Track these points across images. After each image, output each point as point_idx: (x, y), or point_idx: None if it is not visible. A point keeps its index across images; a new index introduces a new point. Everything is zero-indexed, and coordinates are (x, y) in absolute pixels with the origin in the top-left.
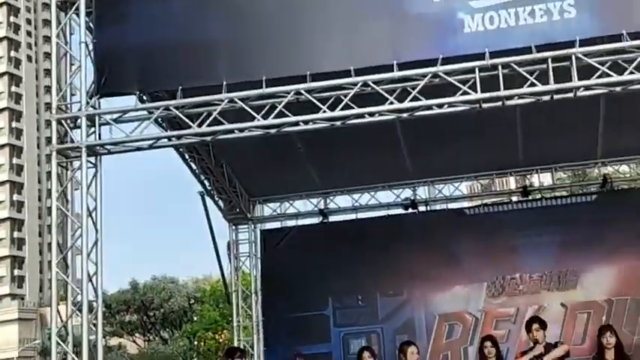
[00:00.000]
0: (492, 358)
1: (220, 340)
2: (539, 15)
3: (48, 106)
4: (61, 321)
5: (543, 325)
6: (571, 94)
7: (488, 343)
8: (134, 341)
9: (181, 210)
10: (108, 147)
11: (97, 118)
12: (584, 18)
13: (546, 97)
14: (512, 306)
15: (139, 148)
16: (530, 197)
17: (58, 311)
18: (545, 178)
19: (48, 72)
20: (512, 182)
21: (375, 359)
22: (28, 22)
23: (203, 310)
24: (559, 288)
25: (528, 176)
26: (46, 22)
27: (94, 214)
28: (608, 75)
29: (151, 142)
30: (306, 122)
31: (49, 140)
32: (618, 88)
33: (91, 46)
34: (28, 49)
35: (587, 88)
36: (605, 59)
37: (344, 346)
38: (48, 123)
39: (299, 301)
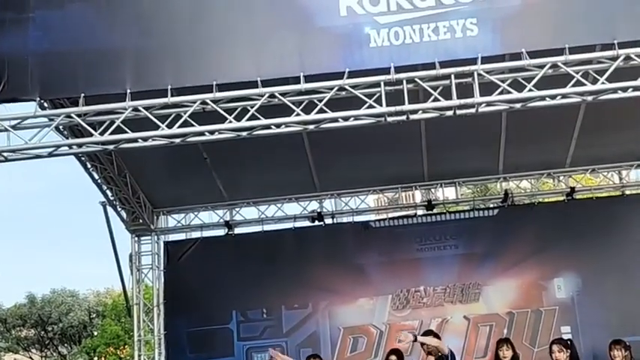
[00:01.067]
0: None
1: (122, 356)
2: (442, 32)
3: None
4: None
5: (437, 337)
6: (473, 110)
7: (393, 357)
8: (30, 357)
9: (84, 221)
10: (5, 154)
11: None
12: (485, 36)
13: (449, 112)
14: (416, 319)
15: (37, 156)
16: (434, 211)
17: None
18: (449, 192)
19: None
20: (417, 196)
21: None
22: None
23: (104, 324)
24: (462, 301)
25: (433, 190)
26: None
27: None
28: (509, 92)
29: (50, 149)
30: (211, 132)
31: None
32: (518, 105)
33: None
34: None
35: (488, 104)
36: (505, 76)
37: None
38: None
39: (202, 314)
